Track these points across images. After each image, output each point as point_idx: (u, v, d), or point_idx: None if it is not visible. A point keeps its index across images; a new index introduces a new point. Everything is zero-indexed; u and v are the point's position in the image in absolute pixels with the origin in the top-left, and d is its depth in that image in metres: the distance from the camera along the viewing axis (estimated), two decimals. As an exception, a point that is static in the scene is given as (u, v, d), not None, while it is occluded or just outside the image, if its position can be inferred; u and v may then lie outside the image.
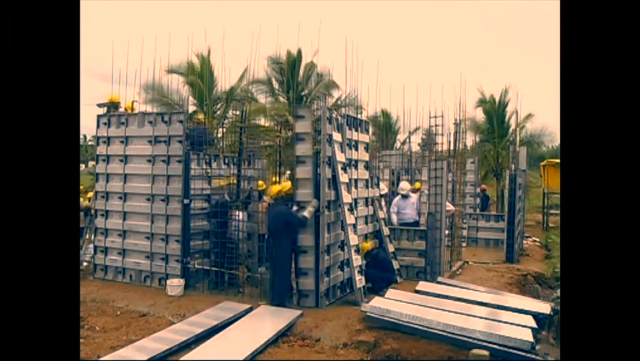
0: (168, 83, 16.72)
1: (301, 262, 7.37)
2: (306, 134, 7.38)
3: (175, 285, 7.90)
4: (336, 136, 7.57)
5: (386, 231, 9.22)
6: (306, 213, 7.18)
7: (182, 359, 5.46)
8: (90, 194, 12.29)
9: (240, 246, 8.32)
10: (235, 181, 8.59)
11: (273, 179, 8.78)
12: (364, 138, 8.75)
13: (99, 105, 9.44)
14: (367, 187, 8.85)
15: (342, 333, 6.27)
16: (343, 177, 7.57)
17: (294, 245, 7.39)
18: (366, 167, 8.84)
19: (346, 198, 7.53)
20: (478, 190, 16.22)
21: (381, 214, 9.19)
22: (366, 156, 8.80)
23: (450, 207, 10.29)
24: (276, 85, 19.22)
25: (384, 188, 11.17)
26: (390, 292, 7.42)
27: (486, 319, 6.45)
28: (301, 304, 7.33)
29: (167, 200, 8.46)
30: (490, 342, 5.63)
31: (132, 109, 9.55)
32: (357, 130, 8.46)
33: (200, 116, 9.33)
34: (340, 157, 7.59)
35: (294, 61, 18.44)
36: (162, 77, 16.63)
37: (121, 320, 7.01)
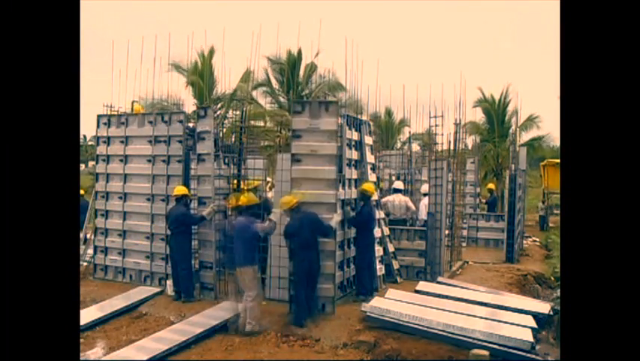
0: (168, 83, 16.74)
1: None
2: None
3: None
4: (367, 140, 8.45)
5: (386, 231, 9.22)
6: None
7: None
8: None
9: None
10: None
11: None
12: (367, 139, 8.78)
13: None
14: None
15: (342, 333, 6.27)
16: (372, 177, 8.60)
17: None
18: (373, 168, 8.95)
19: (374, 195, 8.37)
20: (479, 190, 16.18)
21: (380, 214, 9.17)
22: (371, 158, 8.86)
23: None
24: (276, 85, 19.24)
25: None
26: (390, 292, 7.42)
27: (486, 319, 6.44)
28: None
29: (167, 200, 8.45)
30: (490, 342, 5.63)
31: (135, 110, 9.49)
32: (358, 130, 8.47)
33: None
34: (370, 158, 8.53)
35: (295, 61, 18.46)
36: (162, 77, 16.63)
37: (121, 320, 7.01)
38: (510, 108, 22.44)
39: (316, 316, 6.70)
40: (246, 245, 6.55)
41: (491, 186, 17.41)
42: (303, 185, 7.03)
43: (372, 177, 8.88)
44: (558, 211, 18.29)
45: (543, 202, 20.12)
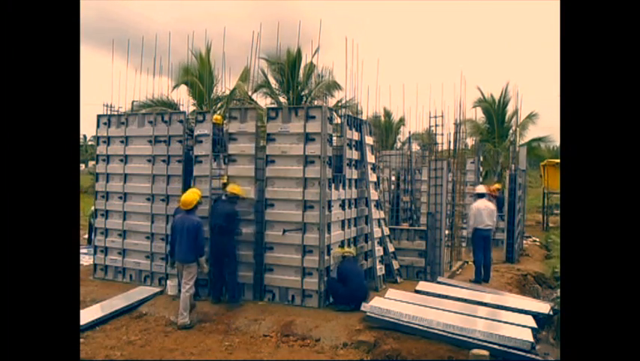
0: (167, 86, 16.78)
1: (306, 261, 7.39)
2: (316, 135, 7.39)
3: (175, 285, 7.89)
4: (368, 140, 8.68)
5: (386, 231, 9.23)
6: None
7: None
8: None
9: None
10: None
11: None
12: (368, 139, 8.81)
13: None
14: (376, 188, 9.15)
15: (342, 333, 6.27)
16: (372, 177, 8.80)
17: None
18: (373, 168, 8.99)
19: (374, 195, 8.77)
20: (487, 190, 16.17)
21: (380, 214, 9.18)
22: (371, 158, 8.88)
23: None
24: (275, 85, 19.21)
25: None
26: (390, 292, 7.42)
27: (486, 319, 6.45)
28: (304, 305, 7.35)
29: (167, 200, 8.46)
30: (490, 342, 5.64)
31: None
32: (358, 130, 8.50)
33: (217, 117, 9.06)
34: (370, 159, 8.72)
35: (294, 61, 18.43)
36: (171, 90, 16.71)
37: (121, 320, 7.01)
38: (510, 108, 22.45)
39: (234, 297, 7.41)
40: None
41: (498, 185, 17.41)
42: (276, 183, 7.58)
43: (373, 177, 8.90)
44: (558, 211, 18.32)
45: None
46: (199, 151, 8.09)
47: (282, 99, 18.98)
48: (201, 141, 8.08)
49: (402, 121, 22.95)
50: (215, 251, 7.53)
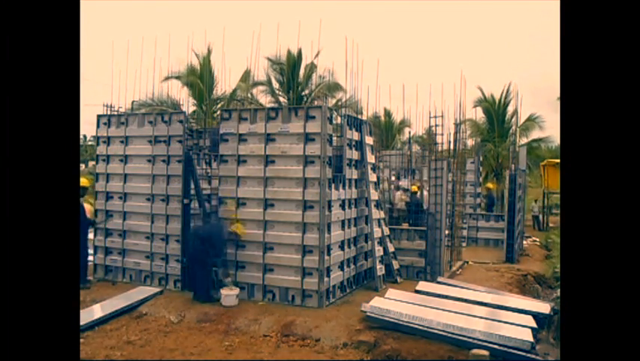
0: (168, 86, 16.80)
1: (306, 261, 7.39)
2: (316, 135, 7.40)
3: (231, 294, 7.44)
4: (368, 140, 8.72)
5: (386, 231, 9.23)
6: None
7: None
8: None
9: None
10: None
11: None
12: (368, 139, 8.81)
13: None
14: (376, 189, 9.19)
15: (342, 333, 6.27)
16: (372, 177, 8.84)
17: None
18: (373, 169, 8.99)
19: (374, 195, 8.79)
20: (481, 190, 16.25)
21: (381, 214, 9.18)
22: (371, 158, 8.88)
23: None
24: (276, 85, 19.23)
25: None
26: (390, 292, 7.43)
27: (486, 319, 6.45)
28: (304, 305, 7.35)
29: (167, 200, 8.46)
30: (490, 342, 5.64)
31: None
32: (358, 130, 8.50)
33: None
34: (370, 159, 8.78)
35: (295, 61, 18.45)
36: (162, 80, 16.72)
37: (121, 320, 7.01)
38: (510, 108, 22.46)
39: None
40: None
41: (490, 185, 17.44)
42: (276, 183, 7.61)
43: (373, 177, 8.90)
44: (558, 211, 18.33)
45: (536, 201, 20.17)
46: (225, 150, 8.04)
47: (283, 99, 18.99)
48: (227, 140, 8.01)
49: (403, 123, 22.96)
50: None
